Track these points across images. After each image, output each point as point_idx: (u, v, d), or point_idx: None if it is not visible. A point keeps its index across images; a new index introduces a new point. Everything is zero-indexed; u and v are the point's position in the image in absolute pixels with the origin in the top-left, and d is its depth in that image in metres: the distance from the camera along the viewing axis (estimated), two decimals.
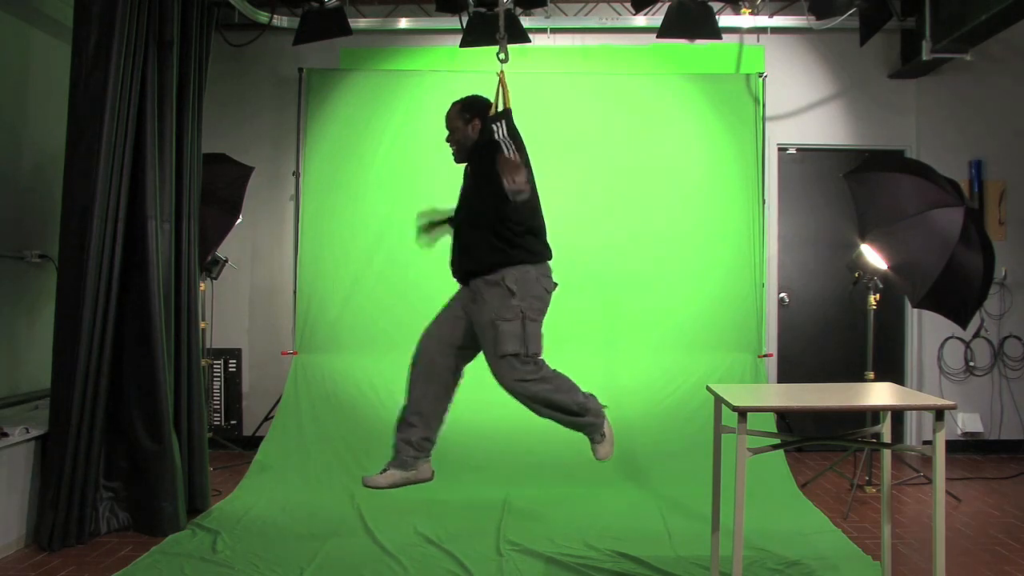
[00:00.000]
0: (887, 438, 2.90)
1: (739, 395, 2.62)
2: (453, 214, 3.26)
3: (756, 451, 2.55)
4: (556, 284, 3.14)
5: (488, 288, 3.01)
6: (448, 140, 3.24)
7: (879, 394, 2.77)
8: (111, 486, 3.69)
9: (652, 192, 5.19)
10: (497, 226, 2.99)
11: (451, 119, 3.23)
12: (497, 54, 3.25)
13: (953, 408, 2.48)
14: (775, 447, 2.72)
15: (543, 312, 3.08)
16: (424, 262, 5.11)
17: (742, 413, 2.41)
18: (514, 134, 3.05)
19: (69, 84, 3.53)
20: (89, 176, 3.46)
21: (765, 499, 4.04)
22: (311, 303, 5.15)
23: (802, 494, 4.27)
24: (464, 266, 3.13)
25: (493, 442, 4.63)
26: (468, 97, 3.25)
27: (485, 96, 3.21)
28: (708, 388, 2.85)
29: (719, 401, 2.73)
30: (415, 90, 5.26)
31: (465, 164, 3.22)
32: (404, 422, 3.16)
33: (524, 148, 3.08)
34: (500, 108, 3.10)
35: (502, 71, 3.15)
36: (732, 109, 5.25)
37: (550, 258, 3.15)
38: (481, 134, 3.11)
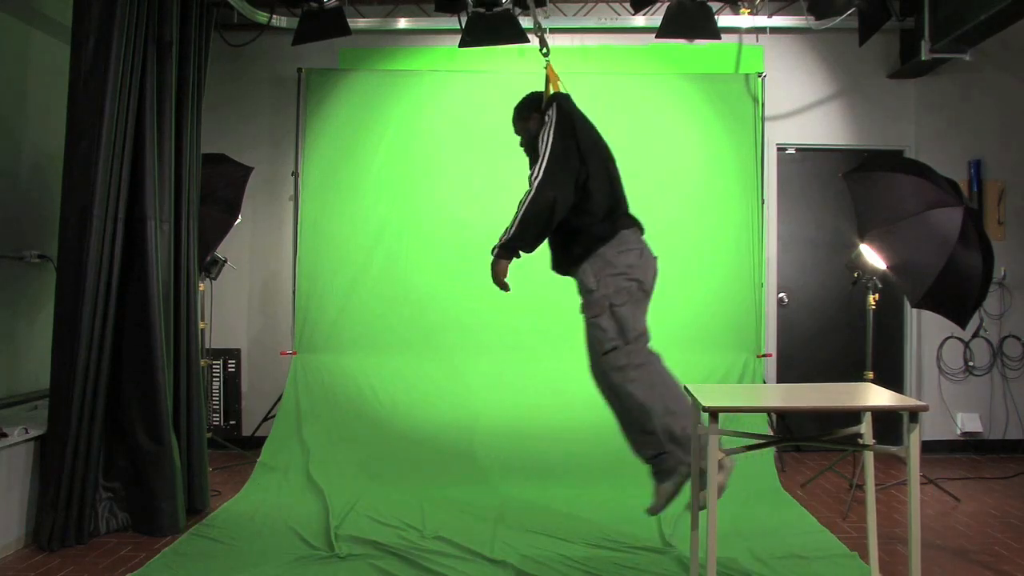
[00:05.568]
0: (868, 439, 2.90)
1: (712, 395, 2.62)
2: None
3: (730, 452, 2.61)
4: (642, 251, 3.02)
5: (579, 286, 3.04)
6: (521, 146, 3.25)
7: (853, 395, 2.75)
8: (110, 486, 3.69)
9: (651, 192, 5.14)
10: (570, 221, 2.99)
11: (514, 125, 3.25)
12: (540, 49, 3.37)
13: (926, 409, 2.46)
14: (749, 448, 2.74)
15: (632, 289, 2.96)
16: (424, 262, 5.16)
17: (713, 413, 2.43)
18: (564, 119, 3.01)
19: (69, 84, 3.52)
20: (89, 176, 3.46)
21: (752, 499, 4.03)
22: (311, 303, 5.15)
23: (787, 494, 4.26)
24: (557, 266, 3.16)
25: (493, 443, 4.63)
26: (522, 99, 3.31)
27: (537, 91, 3.30)
28: (684, 388, 2.85)
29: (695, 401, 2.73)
30: (414, 90, 5.26)
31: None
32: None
33: (579, 129, 3.03)
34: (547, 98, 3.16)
35: (548, 63, 3.22)
36: (731, 109, 5.25)
37: (628, 227, 3.05)
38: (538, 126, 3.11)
